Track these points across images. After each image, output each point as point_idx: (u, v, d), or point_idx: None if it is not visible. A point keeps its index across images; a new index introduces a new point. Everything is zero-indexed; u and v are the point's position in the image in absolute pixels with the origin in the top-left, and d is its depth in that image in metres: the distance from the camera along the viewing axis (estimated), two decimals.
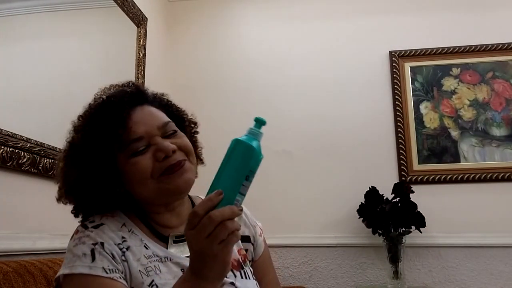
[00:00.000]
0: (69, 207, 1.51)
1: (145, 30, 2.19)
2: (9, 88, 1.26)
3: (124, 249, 0.77)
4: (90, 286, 0.71)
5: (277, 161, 2.29)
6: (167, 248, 0.81)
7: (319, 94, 2.41)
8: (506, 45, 2.29)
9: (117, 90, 0.90)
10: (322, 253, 2.21)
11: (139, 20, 2.13)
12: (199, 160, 0.95)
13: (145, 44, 2.18)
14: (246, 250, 0.94)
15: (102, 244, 0.74)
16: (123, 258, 0.76)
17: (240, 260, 0.89)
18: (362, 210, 2.08)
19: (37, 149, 1.30)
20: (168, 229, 0.85)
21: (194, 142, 0.93)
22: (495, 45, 2.30)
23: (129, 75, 2.04)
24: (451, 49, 2.33)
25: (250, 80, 2.47)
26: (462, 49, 2.32)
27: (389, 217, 2.00)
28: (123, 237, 0.78)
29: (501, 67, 2.29)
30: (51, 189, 1.39)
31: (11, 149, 1.19)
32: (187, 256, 0.69)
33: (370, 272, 2.18)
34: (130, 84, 0.92)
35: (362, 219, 2.09)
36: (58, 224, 1.41)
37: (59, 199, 0.88)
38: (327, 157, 2.33)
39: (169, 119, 0.86)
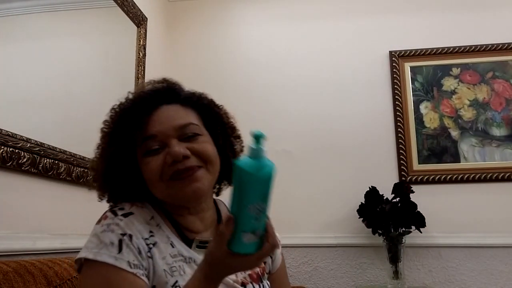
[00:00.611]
0: (69, 208, 1.52)
1: (145, 30, 2.19)
2: (9, 88, 1.26)
3: (151, 245, 0.76)
4: (112, 277, 0.70)
5: (277, 161, 2.27)
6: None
7: (319, 94, 2.41)
8: (506, 45, 2.29)
9: (151, 87, 0.87)
10: (322, 253, 2.21)
11: (139, 20, 2.13)
12: (230, 182, 0.91)
13: (145, 44, 2.18)
14: (265, 263, 0.93)
15: (130, 236, 0.73)
16: (148, 254, 0.75)
17: (259, 273, 0.89)
18: (362, 210, 2.08)
19: (37, 149, 1.30)
20: (192, 233, 0.83)
21: (228, 148, 0.88)
22: (495, 45, 2.30)
23: (129, 75, 2.04)
24: (451, 49, 2.33)
25: (250, 80, 2.47)
26: (462, 49, 2.32)
27: (389, 217, 2.00)
28: (151, 232, 0.77)
29: (501, 67, 2.29)
30: (51, 189, 1.40)
31: (11, 149, 1.19)
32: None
33: (370, 272, 2.18)
34: (164, 81, 0.89)
35: (362, 219, 2.09)
36: (58, 224, 1.41)
37: (98, 192, 0.86)
38: (327, 157, 2.32)
39: (191, 121, 0.82)
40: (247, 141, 0.66)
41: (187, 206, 0.83)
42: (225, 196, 0.91)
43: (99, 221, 0.77)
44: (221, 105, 0.93)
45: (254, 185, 0.62)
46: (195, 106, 0.87)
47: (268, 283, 0.91)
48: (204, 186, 0.80)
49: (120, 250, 0.71)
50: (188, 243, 0.82)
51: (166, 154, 0.78)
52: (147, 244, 0.75)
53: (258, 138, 0.61)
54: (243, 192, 0.62)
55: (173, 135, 0.79)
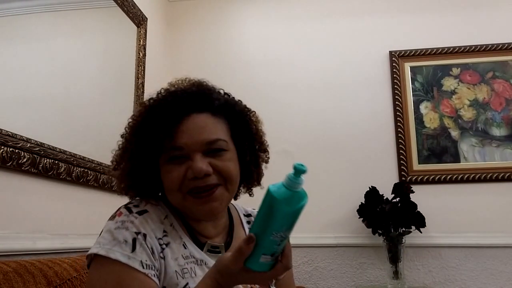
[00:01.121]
0: (69, 208, 1.52)
1: (145, 30, 2.19)
2: (9, 88, 1.26)
3: (164, 245, 0.75)
4: (124, 276, 0.69)
5: (277, 161, 2.28)
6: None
7: (319, 94, 2.41)
8: (506, 45, 2.29)
9: (184, 88, 0.84)
10: (322, 253, 2.21)
11: (139, 20, 2.13)
12: (248, 189, 0.91)
13: (145, 44, 2.17)
14: None
15: (144, 235, 0.73)
16: (161, 255, 0.74)
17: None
18: (362, 210, 2.08)
19: (37, 149, 1.30)
20: (204, 237, 0.83)
21: (252, 163, 0.87)
22: (495, 45, 2.30)
23: (129, 75, 2.04)
24: (451, 49, 2.33)
25: (250, 80, 2.47)
26: (462, 49, 2.32)
27: (389, 217, 2.00)
28: (164, 231, 0.77)
29: (501, 67, 2.29)
30: (51, 189, 1.40)
31: (11, 149, 1.19)
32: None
33: (370, 272, 2.18)
34: (199, 84, 0.86)
35: (362, 219, 2.09)
36: (58, 224, 1.41)
37: (118, 186, 0.85)
38: (327, 156, 2.32)
39: (219, 137, 0.80)
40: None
41: (200, 218, 0.83)
42: (243, 201, 0.91)
43: (113, 217, 0.76)
44: (253, 112, 0.91)
45: (285, 216, 0.61)
46: (226, 115, 0.84)
47: None
48: (221, 206, 0.80)
49: (133, 249, 0.71)
50: (200, 246, 0.82)
51: (188, 167, 0.76)
52: (160, 245, 0.75)
53: (299, 171, 0.61)
54: (272, 219, 0.61)
55: (198, 149, 0.77)
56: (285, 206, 0.60)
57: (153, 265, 0.72)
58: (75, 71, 1.61)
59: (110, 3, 1.88)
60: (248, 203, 0.98)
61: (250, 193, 0.92)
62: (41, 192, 1.35)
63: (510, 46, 2.28)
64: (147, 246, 0.72)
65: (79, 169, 1.51)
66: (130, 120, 0.84)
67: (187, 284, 0.74)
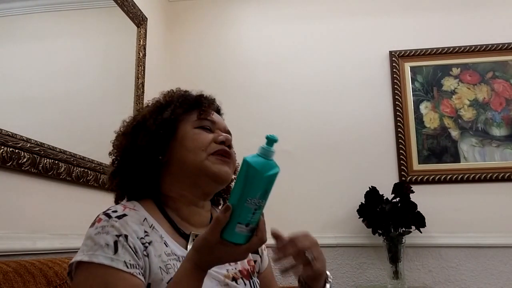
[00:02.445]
0: (69, 208, 1.52)
1: (145, 30, 2.19)
2: (9, 88, 1.26)
3: (147, 244, 0.77)
4: (109, 278, 0.70)
5: (277, 160, 2.29)
6: (186, 248, 0.83)
7: (319, 94, 2.41)
8: (506, 45, 2.29)
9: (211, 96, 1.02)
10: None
11: (139, 20, 2.13)
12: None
13: (145, 44, 2.18)
14: (255, 261, 0.98)
15: (126, 236, 0.74)
16: (145, 253, 0.76)
17: (250, 271, 0.92)
18: (362, 210, 2.08)
19: (37, 149, 1.30)
20: (188, 225, 0.87)
21: None
22: (495, 45, 2.30)
23: (129, 75, 2.04)
24: (451, 49, 2.33)
25: (250, 79, 2.47)
26: (462, 49, 2.32)
27: (389, 217, 2.00)
28: (145, 231, 0.79)
29: (501, 67, 2.29)
30: (51, 189, 1.40)
31: (11, 149, 1.19)
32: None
33: (370, 272, 2.18)
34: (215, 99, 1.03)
35: (362, 219, 2.09)
36: (58, 224, 1.41)
37: (108, 180, 0.94)
38: (327, 157, 2.32)
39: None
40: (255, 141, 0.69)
41: (204, 186, 0.87)
42: None
43: (92, 225, 0.78)
44: None
45: (258, 181, 0.66)
46: None
47: (258, 281, 0.94)
48: (230, 176, 0.89)
49: (116, 251, 0.72)
50: (185, 237, 0.84)
51: (217, 135, 0.89)
52: (143, 243, 0.76)
53: (271, 141, 0.68)
54: (247, 186, 0.66)
55: (223, 131, 0.92)
56: (259, 171, 0.66)
57: (137, 264, 0.73)
58: (75, 71, 1.61)
59: (110, 3, 1.88)
60: None
61: (224, 202, 1.02)
62: (41, 192, 1.35)
63: (510, 46, 2.28)
64: (130, 246, 0.73)
65: (79, 169, 1.51)
66: (150, 102, 0.97)
67: (171, 279, 0.75)
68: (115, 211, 0.79)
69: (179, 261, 0.79)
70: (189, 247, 0.82)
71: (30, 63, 1.37)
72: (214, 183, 0.87)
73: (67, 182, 1.47)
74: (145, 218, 0.82)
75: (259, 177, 0.66)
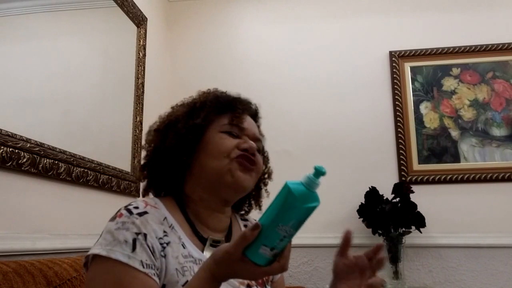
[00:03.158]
0: (69, 208, 1.52)
1: (145, 30, 2.19)
2: (9, 88, 1.26)
3: (165, 244, 0.77)
4: (123, 276, 0.70)
5: (277, 161, 2.27)
6: (203, 251, 0.83)
7: (319, 94, 2.41)
8: (506, 45, 2.29)
9: (248, 99, 1.01)
10: (322, 253, 2.21)
11: (139, 20, 2.13)
12: (249, 206, 1.02)
13: (145, 44, 2.17)
14: None
15: (145, 235, 0.74)
16: (162, 253, 0.75)
17: (264, 279, 0.92)
18: (362, 210, 2.08)
19: (37, 149, 1.30)
20: (207, 229, 0.86)
21: (261, 182, 1.00)
22: (495, 45, 2.30)
23: (129, 75, 2.04)
24: (451, 49, 2.33)
25: (250, 80, 2.47)
26: (462, 49, 2.32)
27: (389, 217, 2.00)
28: (164, 231, 0.79)
29: (501, 67, 2.29)
30: (51, 189, 1.40)
31: (11, 149, 1.19)
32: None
33: None
34: (255, 104, 1.03)
35: (362, 219, 2.09)
36: (58, 224, 1.41)
37: (138, 171, 0.96)
38: (327, 157, 2.32)
39: (262, 141, 0.96)
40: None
41: (223, 193, 0.87)
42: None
43: (113, 218, 0.77)
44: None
45: (295, 212, 0.64)
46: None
47: None
48: (252, 185, 0.89)
49: (134, 249, 0.72)
50: (203, 241, 0.84)
51: (243, 142, 0.87)
52: (161, 244, 0.76)
53: (319, 173, 0.67)
54: (282, 212, 0.64)
55: (252, 138, 0.90)
56: (299, 201, 0.64)
57: (153, 265, 0.73)
58: (75, 71, 1.61)
59: (110, 3, 1.88)
60: None
61: (248, 209, 1.02)
62: (41, 192, 1.35)
63: (510, 46, 2.28)
64: (148, 246, 0.73)
65: (79, 169, 1.51)
66: (186, 100, 0.98)
67: (187, 281, 0.74)
68: (137, 207, 0.79)
69: (196, 264, 0.79)
70: (206, 251, 0.82)
71: (30, 63, 1.37)
72: (233, 191, 0.87)
73: (67, 182, 1.46)
74: (165, 217, 0.81)
75: (297, 207, 0.64)
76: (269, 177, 1.02)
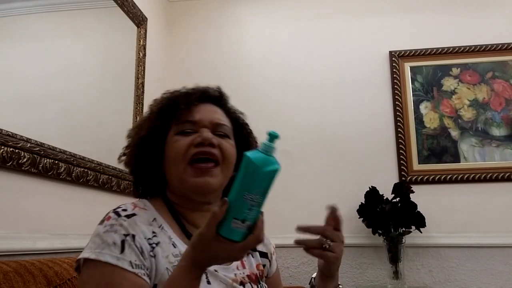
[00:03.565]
0: (69, 208, 1.52)
1: (145, 30, 2.19)
2: (9, 88, 1.26)
3: (154, 244, 0.77)
4: (113, 277, 0.70)
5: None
6: None
7: (319, 94, 2.41)
8: (506, 45, 2.29)
9: (204, 87, 0.95)
10: None
11: (139, 20, 2.13)
12: None
13: (145, 44, 2.18)
14: (264, 266, 0.97)
15: (133, 236, 0.74)
16: (151, 253, 0.75)
17: (258, 275, 0.91)
18: (362, 210, 2.09)
19: (37, 149, 1.30)
20: (194, 228, 0.86)
21: None
22: (495, 45, 2.30)
23: (129, 75, 2.04)
24: (451, 49, 2.34)
25: (250, 79, 2.47)
26: (462, 49, 2.32)
27: (389, 217, 2.00)
28: (153, 232, 0.79)
29: (501, 67, 2.29)
30: (51, 189, 1.40)
31: (11, 149, 1.19)
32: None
33: (370, 272, 2.18)
34: (218, 88, 0.97)
35: (362, 219, 2.09)
36: (58, 224, 1.41)
37: (126, 164, 0.93)
38: (327, 157, 2.33)
39: (227, 124, 0.90)
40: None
41: (193, 198, 0.85)
42: None
43: (101, 222, 0.78)
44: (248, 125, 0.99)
45: (257, 177, 0.65)
46: (233, 120, 0.94)
47: (266, 285, 0.94)
48: (215, 183, 0.84)
49: (122, 250, 0.72)
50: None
51: (196, 136, 0.84)
52: (150, 244, 0.76)
53: (272, 137, 0.68)
54: (245, 181, 0.65)
55: (208, 126, 0.86)
56: (258, 166, 0.65)
57: (142, 265, 0.73)
58: (75, 71, 1.61)
59: (110, 3, 1.88)
60: None
61: None
62: (41, 192, 1.35)
63: (510, 46, 2.29)
64: (136, 246, 0.74)
65: (79, 169, 1.51)
66: (151, 103, 0.94)
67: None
68: (125, 210, 0.79)
69: None
70: None
71: (31, 63, 1.37)
72: (200, 195, 0.85)
73: (67, 182, 1.47)
74: (154, 218, 0.82)
75: (257, 172, 0.65)
76: None
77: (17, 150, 1.21)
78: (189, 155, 0.82)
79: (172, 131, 0.87)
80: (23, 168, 1.24)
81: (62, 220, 1.44)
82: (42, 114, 1.40)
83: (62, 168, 1.42)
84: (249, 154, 0.66)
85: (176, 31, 2.62)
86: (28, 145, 1.26)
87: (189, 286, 0.68)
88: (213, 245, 0.65)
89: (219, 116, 0.90)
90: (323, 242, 0.86)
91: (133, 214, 0.78)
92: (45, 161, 1.33)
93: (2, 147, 1.16)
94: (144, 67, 2.13)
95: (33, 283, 0.96)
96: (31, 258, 1.12)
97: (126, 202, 0.84)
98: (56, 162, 1.39)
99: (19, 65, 1.32)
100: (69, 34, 1.61)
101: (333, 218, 0.89)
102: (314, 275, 0.95)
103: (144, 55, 2.15)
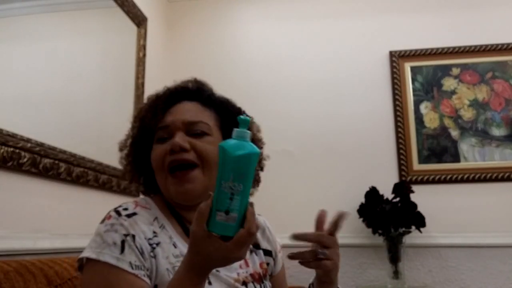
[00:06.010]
0: (69, 207, 1.52)
1: (145, 30, 2.19)
2: (9, 88, 1.26)
3: (154, 245, 0.76)
4: (113, 278, 0.70)
5: (277, 161, 2.27)
6: None
7: (319, 94, 2.41)
8: (506, 45, 2.29)
9: (181, 83, 0.92)
10: None
11: (139, 20, 2.13)
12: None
13: (145, 44, 2.18)
14: (268, 264, 0.95)
15: (133, 236, 0.74)
16: (151, 254, 0.75)
17: (261, 274, 0.90)
18: (362, 210, 2.09)
19: (37, 149, 1.30)
20: None
21: None
22: (495, 45, 2.30)
23: (129, 75, 2.04)
24: (451, 49, 2.34)
25: (250, 80, 2.47)
26: (462, 49, 2.33)
27: (389, 217, 2.00)
28: (154, 232, 0.78)
29: (501, 67, 2.29)
30: (51, 189, 1.40)
31: (11, 149, 1.19)
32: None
33: (370, 272, 2.18)
34: (194, 80, 0.94)
35: (362, 219, 2.09)
36: (58, 224, 1.41)
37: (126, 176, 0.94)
38: (327, 157, 2.33)
39: (202, 120, 0.85)
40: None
41: (182, 202, 0.84)
42: None
43: (102, 221, 0.77)
44: (241, 109, 0.95)
45: (229, 163, 0.63)
46: (216, 107, 0.90)
47: (270, 284, 0.93)
48: (196, 189, 0.81)
49: (122, 250, 0.72)
50: None
51: (170, 143, 0.81)
52: (150, 244, 0.76)
53: (242, 121, 0.66)
54: (221, 170, 0.64)
55: (181, 128, 0.83)
56: (228, 152, 0.64)
57: (142, 265, 0.73)
58: (75, 71, 1.61)
59: (110, 3, 1.88)
60: None
61: None
62: (41, 192, 1.35)
63: (510, 46, 2.29)
64: (136, 247, 0.73)
65: (79, 169, 1.51)
66: (136, 113, 0.93)
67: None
68: (126, 209, 0.79)
69: None
70: None
71: (31, 63, 1.37)
72: (186, 201, 0.83)
73: (67, 182, 1.47)
74: (156, 217, 0.81)
75: (229, 158, 0.63)
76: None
77: (17, 150, 1.21)
78: (166, 164, 0.81)
79: (154, 140, 0.86)
80: (23, 168, 1.24)
81: (62, 220, 1.44)
82: (42, 114, 1.40)
83: (62, 168, 1.42)
84: (222, 143, 0.66)
85: (176, 31, 2.62)
86: (28, 145, 1.26)
87: None
88: (205, 243, 0.62)
89: (193, 113, 0.85)
90: (317, 253, 0.80)
91: (134, 214, 0.78)
92: (45, 161, 1.33)
93: (2, 147, 1.16)
94: (144, 67, 2.13)
95: (33, 282, 0.96)
96: (32, 257, 1.12)
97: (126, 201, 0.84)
98: (56, 162, 1.39)
99: (19, 65, 1.32)
100: (69, 34, 1.61)
101: (334, 223, 0.85)
102: (311, 280, 0.93)
103: (144, 55, 2.15)
